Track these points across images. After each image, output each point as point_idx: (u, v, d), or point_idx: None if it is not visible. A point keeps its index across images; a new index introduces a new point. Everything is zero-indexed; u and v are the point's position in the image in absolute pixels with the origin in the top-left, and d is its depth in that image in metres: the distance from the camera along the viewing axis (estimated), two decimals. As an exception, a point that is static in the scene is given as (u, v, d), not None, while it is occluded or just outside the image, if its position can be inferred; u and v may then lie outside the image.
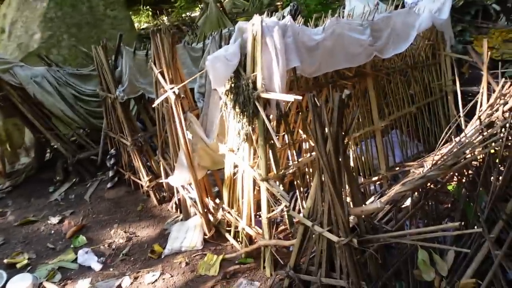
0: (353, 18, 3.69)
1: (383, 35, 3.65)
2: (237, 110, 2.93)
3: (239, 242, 3.48)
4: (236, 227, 3.45)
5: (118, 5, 7.57)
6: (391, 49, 3.75)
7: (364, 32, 3.49)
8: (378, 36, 3.63)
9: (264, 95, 2.73)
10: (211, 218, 3.71)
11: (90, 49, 4.85)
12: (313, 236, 2.45)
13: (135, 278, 3.39)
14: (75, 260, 3.75)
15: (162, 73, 3.44)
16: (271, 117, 2.88)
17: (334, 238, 2.21)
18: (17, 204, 4.93)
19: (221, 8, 9.20)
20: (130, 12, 9.91)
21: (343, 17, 3.76)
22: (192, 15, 11.82)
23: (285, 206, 2.83)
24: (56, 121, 5.17)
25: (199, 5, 11.49)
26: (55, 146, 5.20)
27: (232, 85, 2.95)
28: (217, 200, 3.75)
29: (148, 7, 12.92)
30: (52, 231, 4.32)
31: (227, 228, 3.66)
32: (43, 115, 5.04)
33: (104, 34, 6.90)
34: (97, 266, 3.63)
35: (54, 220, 4.49)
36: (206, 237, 3.69)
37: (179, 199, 4.11)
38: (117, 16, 7.36)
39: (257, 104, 2.75)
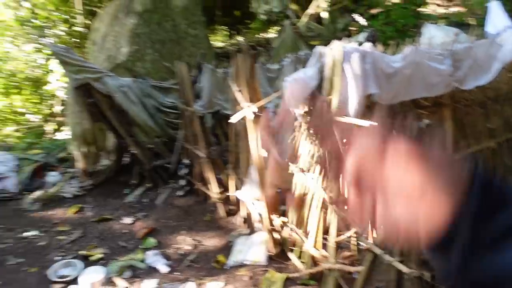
0: (432, 47, 3.65)
1: (463, 66, 3.57)
2: (312, 132, 3.01)
3: (303, 263, 3.50)
4: (301, 247, 3.49)
5: (199, 25, 8.01)
6: (471, 81, 3.65)
7: (444, 62, 3.45)
8: (458, 66, 3.55)
9: (340, 119, 2.78)
10: (277, 236, 3.78)
11: (172, 64, 5.18)
12: (382, 265, 2.44)
13: (199, 285, 3.53)
14: (143, 260, 3.97)
15: (240, 92, 3.61)
16: (345, 141, 2.91)
17: (405, 269, 2.19)
18: (96, 202, 5.34)
19: (296, 32, 9.39)
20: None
21: (421, 45, 3.74)
22: (266, 36, 12.17)
23: (355, 232, 2.84)
24: (136, 128, 5.55)
25: (274, 27, 11.82)
26: (134, 152, 5.57)
27: (308, 107, 3.04)
28: (284, 218, 3.81)
29: (224, 27, 13.49)
30: (125, 231, 4.61)
31: (291, 247, 3.70)
32: (125, 122, 5.43)
33: (185, 51, 7.32)
34: (164, 269, 3.81)
35: (127, 220, 4.79)
36: (270, 253, 3.76)
37: (247, 214, 4.23)
38: (198, 35, 7.79)
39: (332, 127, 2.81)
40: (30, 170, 5.91)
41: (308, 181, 3.25)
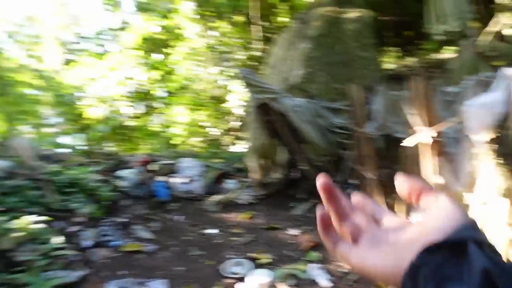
0: None
1: None
2: (498, 162, 2.80)
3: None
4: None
5: (370, 47, 8.05)
6: None
7: None
8: None
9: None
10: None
11: (342, 85, 5.35)
12: None
13: (361, 305, 3.55)
14: (306, 272, 4.15)
15: (415, 115, 3.56)
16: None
17: None
18: (266, 211, 5.82)
19: (476, 51, 8.65)
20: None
21: None
22: (440, 57, 11.48)
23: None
24: (306, 146, 5.87)
25: (449, 47, 11.08)
26: (303, 168, 5.91)
27: (495, 135, 2.84)
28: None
29: (395, 48, 13.19)
30: (290, 241, 4.91)
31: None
32: (297, 139, 5.81)
33: (355, 73, 7.44)
34: (325, 283, 3.93)
35: (293, 232, 5.10)
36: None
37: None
38: (368, 57, 7.83)
39: (525, 158, 2.58)
40: (213, 176, 6.78)
41: (488, 215, 3.01)
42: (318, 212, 0.54)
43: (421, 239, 0.42)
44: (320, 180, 0.52)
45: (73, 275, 4.04)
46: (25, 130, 14.03)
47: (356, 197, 0.56)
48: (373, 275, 0.47)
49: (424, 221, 0.45)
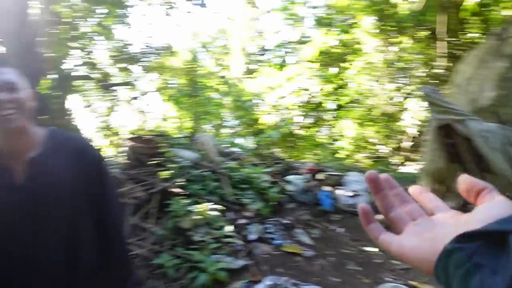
0: None
1: None
2: None
3: None
4: None
5: None
6: None
7: None
8: None
9: None
10: None
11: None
12: None
13: None
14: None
15: None
16: None
17: None
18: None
19: None
20: None
21: None
22: None
23: None
24: (491, 176, 5.24)
25: None
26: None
27: None
28: None
29: None
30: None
31: None
32: (481, 168, 5.22)
33: None
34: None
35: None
36: None
37: None
38: None
39: None
40: (379, 194, 6.57)
41: None
42: (360, 205, 0.58)
43: (462, 229, 0.43)
44: (367, 173, 0.57)
45: (237, 263, 4.44)
46: (208, 129, 15.94)
47: (413, 189, 0.59)
48: (410, 260, 0.48)
49: (473, 213, 0.46)
